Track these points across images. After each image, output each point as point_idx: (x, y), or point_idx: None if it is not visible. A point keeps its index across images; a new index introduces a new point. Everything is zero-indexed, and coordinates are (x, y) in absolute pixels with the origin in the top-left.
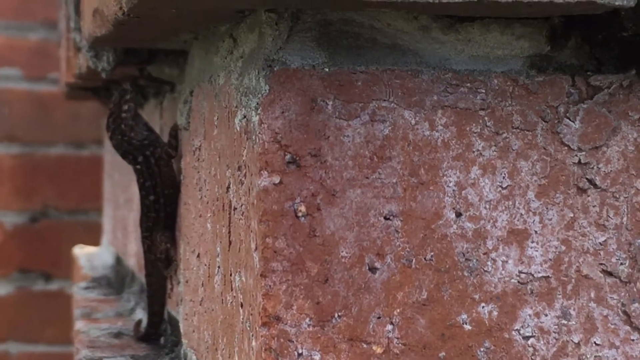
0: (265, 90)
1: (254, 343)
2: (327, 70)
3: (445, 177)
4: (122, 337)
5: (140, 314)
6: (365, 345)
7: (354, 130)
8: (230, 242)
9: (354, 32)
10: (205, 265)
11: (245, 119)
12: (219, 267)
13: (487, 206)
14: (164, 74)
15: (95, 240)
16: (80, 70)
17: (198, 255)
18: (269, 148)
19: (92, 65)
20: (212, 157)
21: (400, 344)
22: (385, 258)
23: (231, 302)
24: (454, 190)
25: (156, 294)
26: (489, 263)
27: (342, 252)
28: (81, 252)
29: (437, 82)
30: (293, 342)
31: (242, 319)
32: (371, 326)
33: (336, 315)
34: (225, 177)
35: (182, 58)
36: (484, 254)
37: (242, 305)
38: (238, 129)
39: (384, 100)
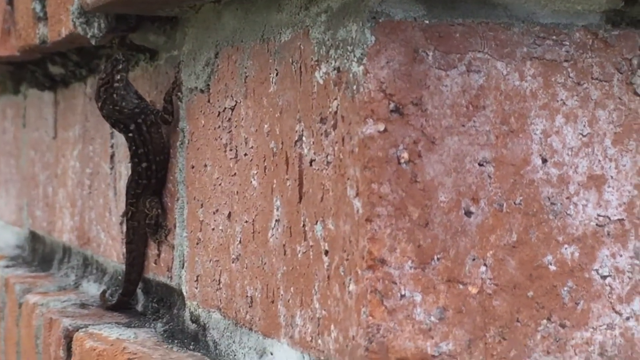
0: (371, 41)
1: (352, 287)
2: (427, 22)
3: (532, 125)
4: (89, 308)
5: (92, 287)
6: (461, 286)
7: (452, 80)
8: (302, 194)
9: None
10: (246, 222)
11: (336, 71)
12: (277, 221)
13: (570, 153)
14: (148, 42)
15: None
16: (42, 39)
17: (229, 215)
18: (375, 97)
19: (82, 32)
20: (264, 115)
21: (492, 285)
22: (479, 202)
23: (304, 252)
24: (540, 137)
25: (135, 261)
26: (571, 207)
27: (441, 197)
28: None
29: (526, 34)
30: (396, 283)
31: (328, 266)
32: (467, 268)
33: (435, 257)
34: (291, 131)
35: (169, 25)
36: (567, 198)
37: (326, 253)
38: (321, 81)
39: (479, 51)
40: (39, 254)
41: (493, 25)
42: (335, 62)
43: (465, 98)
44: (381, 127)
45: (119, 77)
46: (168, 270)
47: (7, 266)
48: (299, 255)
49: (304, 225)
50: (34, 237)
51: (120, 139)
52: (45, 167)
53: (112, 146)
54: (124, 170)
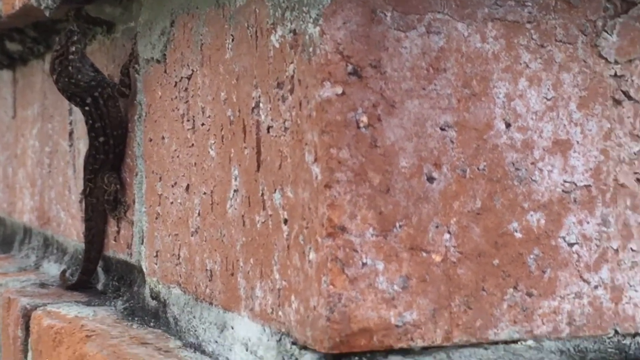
0: (327, 1)
1: (312, 256)
2: None
3: (495, 89)
4: (49, 287)
5: (53, 267)
6: (425, 254)
7: (412, 41)
8: (260, 162)
9: None
10: (205, 193)
11: (292, 33)
12: (235, 191)
13: (534, 117)
14: (104, 14)
15: None
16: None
17: (187, 188)
18: (332, 59)
19: (35, 3)
20: (220, 82)
21: (457, 252)
22: (442, 168)
23: (263, 222)
24: (503, 101)
25: (95, 239)
26: (536, 172)
27: (402, 162)
28: None
29: None
30: (357, 251)
31: (287, 235)
32: (430, 235)
33: (397, 225)
34: (248, 98)
35: None
36: (532, 163)
37: (285, 222)
38: (277, 45)
39: (439, 12)
40: (0, 235)
41: None
42: (291, 24)
43: (426, 60)
44: (339, 90)
45: (73, 48)
46: (128, 247)
47: None
48: (258, 225)
49: (262, 195)
50: None
51: (78, 115)
52: (4, 147)
53: (70, 123)
54: (83, 147)
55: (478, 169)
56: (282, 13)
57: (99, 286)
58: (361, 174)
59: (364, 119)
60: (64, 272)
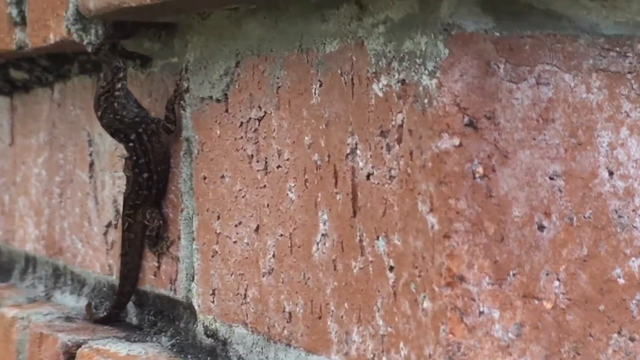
0: (445, 53)
1: (427, 304)
2: (497, 34)
3: (599, 138)
4: (75, 321)
5: (68, 299)
6: (536, 302)
7: (523, 92)
8: (356, 208)
9: None
10: (281, 235)
11: (400, 83)
12: (323, 234)
13: (634, 165)
14: (142, 48)
15: None
16: (19, 45)
17: (257, 228)
18: (449, 111)
19: (78, 39)
20: (304, 127)
21: (566, 299)
22: (551, 216)
23: (361, 268)
24: (606, 150)
25: (130, 273)
26: (637, 219)
27: (515, 211)
28: None
29: (592, 46)
30: (475, 300)
31: (394, 282)
32: (541, 283)
33: (511, 273)
34: (341, 144)
35: (164, 32)
36: (633, 210)
37: (391, 269)
38: (381, 94)
39: (548, 64)
40: None
41: (560, 37)
42: (399, 74)
43: (536, 111)
44: (456, 141)
45: (119, 85)
46: (171, 282)
47: None
48: (355, 271)
49: (360, 240)
50: None
51: (101, 147)
52: (1, 173)
53: (90, 154)
54: (108, 179)
55: (584, 216)
56: (388, 63)
57: (133, 320)
58: (478, 223)
59: (480, 169)
60: (89, 304)
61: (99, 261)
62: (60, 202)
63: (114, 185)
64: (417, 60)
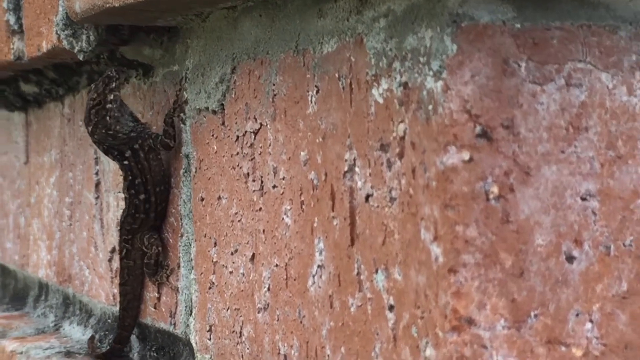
0: (452, 50)
1: (430, 352)
2: (517, 26)
3: None
4: (76, 357)
5: (75, 330)
6: (564, 349)
7: (549, 96)
8: (354, 236)
9: None
10: (277, 266)
11: (402, 87)
12: (319, 266)
13: None
14: (142, 56)
15: None
16: (17, 55)
17: (252, 257)
18: (458, 119)
19: (68, 46)
20: (300, 140)
21: (599, 345)
22: (583, 245)
23: (359, 306)
24: None
25: (130, 304)
26: None
27: (538, 239)
28: None
29: (635, 39)
30: (487, 348)
31: (394, 324)
32: (570, 325)
33: (532, 314)
34: (338, 160)
35: (166, 37)
36: None
37: (391, 309)
38: (381, 100)
39: (580, 60)
40: (10, 290)
41: (596, 29)
42: (401, 76)
43: (565, 118)
44: (466, 155)
45: (112, 97)
46: (171, 316)
47: None
48: (352, 309)
49: (358, 274)
50: (4, 271)
51: (106, 165)
52: (15, 194)
53: (96, 173)
54: (112, 200)
55: (624, 244)
56: (389, 63)
57: (134, 356)
58: (491, 255)
59: (495, 189)
60: (92, 338)
61: (104, 290)
62: (70, 225)
63: (117, 207)
64: (421, 59)
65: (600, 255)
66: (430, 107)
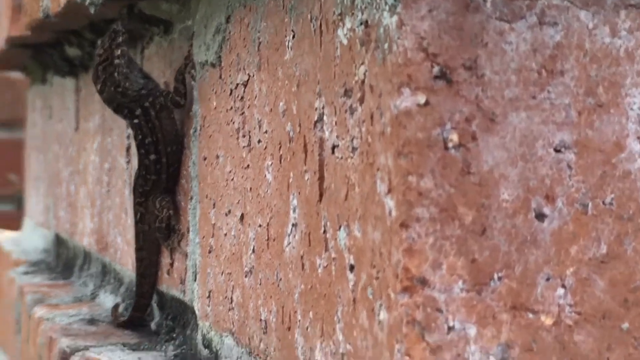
0: None
1: (383, 315)
2: None
3: (628, 98)
4: (98, 324)
5: (108, 298)
6: (531, 315)
7: (519, 35)
8: (322, 190)
9: None
10: (260, 226)
11: (363, 25)
12: (294, 225)
13: None
14: (160, 11)
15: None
16: (45, 12)
17: (242, 217)
18: (412, 58)
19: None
20: (279, 90)
21: (574, 313)
22: (555, 202)
23: (325, 266)
24: (638, 114)
25: (147, 271)
26: None
27: (503, 194)
28: (2, 237)
29: None
30: (443, 312)
31: (354, 285)
32: (539, 290)
33: (495, 276)
34: (310, 109)
35: None
36: None
37: (351, 269)
38: (346, 41)
39: None
40: (63, 259)
41: None
42: (362, 14)
43: (537, 60)
44: (421, 98)
45: (119, 52)
46: (181, 282)
47: (27, 272)
48: (319, 271)
49: (324, 232)
50: (58, 241)
51: None
52: (68, 162)
53: (128, 137)
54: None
55: (604, 203)
56: (352, 0)
57: (153, 325)
58: (449, 209)
59: (454, 137)
60: (116, 306)
61: (132, 257)
62: (108, 192)
63: None
64: None
65: (575, 213)
66: (386, 45)
